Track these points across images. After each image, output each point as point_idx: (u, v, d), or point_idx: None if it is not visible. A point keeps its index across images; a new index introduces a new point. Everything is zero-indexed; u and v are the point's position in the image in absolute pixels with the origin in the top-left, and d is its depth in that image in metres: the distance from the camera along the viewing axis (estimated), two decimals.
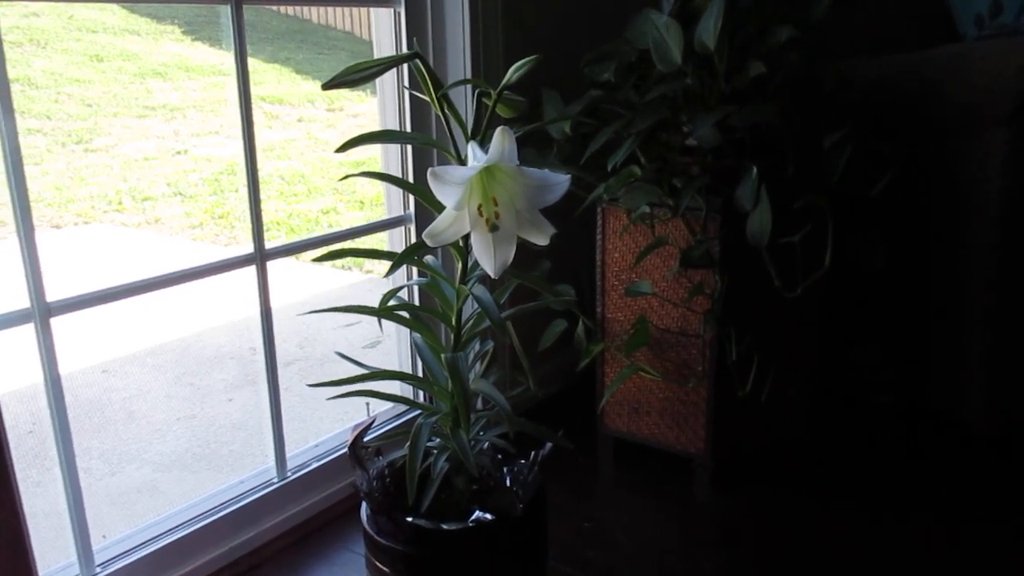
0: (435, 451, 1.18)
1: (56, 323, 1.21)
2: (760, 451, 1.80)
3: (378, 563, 1.16)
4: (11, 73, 1.13)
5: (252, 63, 1.43)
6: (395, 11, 1.66)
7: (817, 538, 1.55)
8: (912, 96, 1.79)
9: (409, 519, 1.13)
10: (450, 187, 0.93)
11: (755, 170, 1.39)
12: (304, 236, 3.33)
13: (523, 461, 1.22)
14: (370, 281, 3.33)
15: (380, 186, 1.81)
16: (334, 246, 1.58)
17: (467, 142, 1.03)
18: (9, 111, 1.12)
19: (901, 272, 1.90)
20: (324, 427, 2.10)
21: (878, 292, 1.95)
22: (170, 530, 1.40)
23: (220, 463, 1.99)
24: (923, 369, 1.91)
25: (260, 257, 1.46)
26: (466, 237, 1.06)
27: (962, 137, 1.74)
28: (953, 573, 1.44)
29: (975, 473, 1.74)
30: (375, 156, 1.83)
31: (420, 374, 1.67)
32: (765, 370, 1.57)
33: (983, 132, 1.69)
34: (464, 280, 1.12)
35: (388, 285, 1.46)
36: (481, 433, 1.23)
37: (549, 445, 1.20)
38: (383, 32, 1.69)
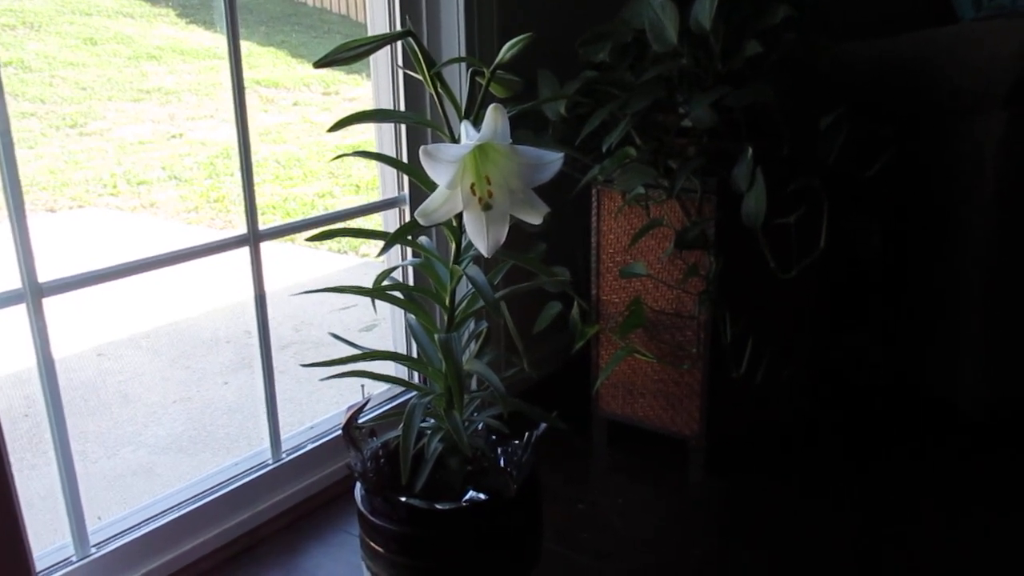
0: (429, 432, 1.18)
1: (49, 305, 1.20)
2: (754, 433, 1.80)
3: (372, 543, 1.16)
4: (4, 56, 1.13)
5: (247, 46, 1.42)
6: None
7: (810, 521, 1.55)
8: (908, 77, 1.79)
9: (403, 499, 1.13)
10: (443, 165, 0.92)
11: (750, 151, 1.39)
12: (298, 218, 3.32)
13: (517, 442, 1.22)
14: (365, 264, 3.33)
15: (376, 170, 1.81)
16: (328, 227, 1.57)
17: (460, 121, 1.03)
18: (1, 94, 1.11)
19: (896, 255, 1.90)
20: (319, 409, 2.10)
21: (873, 275, 1.95)
22: (165, 511, 1.40)
23: (215, 445, 2.00)
24: (918, 353, 1.91)
25: (254, 238, 1.45)
26: (459, 217, 1.05)
27: (959, 119, 1.73)
28: (946, 556, 1.45)
29: (968, 458, 1.74)
30: (370, 139, 1.82)
31: (414, 355, 1.67)
32: (760, 352, 1.57)
33: (980, 113, 1.69)
34: (458, 260, 1.12)
35: (383, 268, 1.46)
36: (475, 414, 1.23)
37: (543, 426, 1.20)
38: (377, 13, 1.68)
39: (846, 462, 1.73)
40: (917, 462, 1.72)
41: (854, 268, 1.96)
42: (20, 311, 1.18)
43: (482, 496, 1.17)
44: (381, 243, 1.17)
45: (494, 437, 1.25)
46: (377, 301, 1.20)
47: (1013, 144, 1.68)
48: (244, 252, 1.46)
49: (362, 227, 1.62)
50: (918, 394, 1.94)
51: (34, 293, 1.18)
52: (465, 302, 1.18)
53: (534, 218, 0.99)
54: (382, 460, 1.20)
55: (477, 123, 0.99)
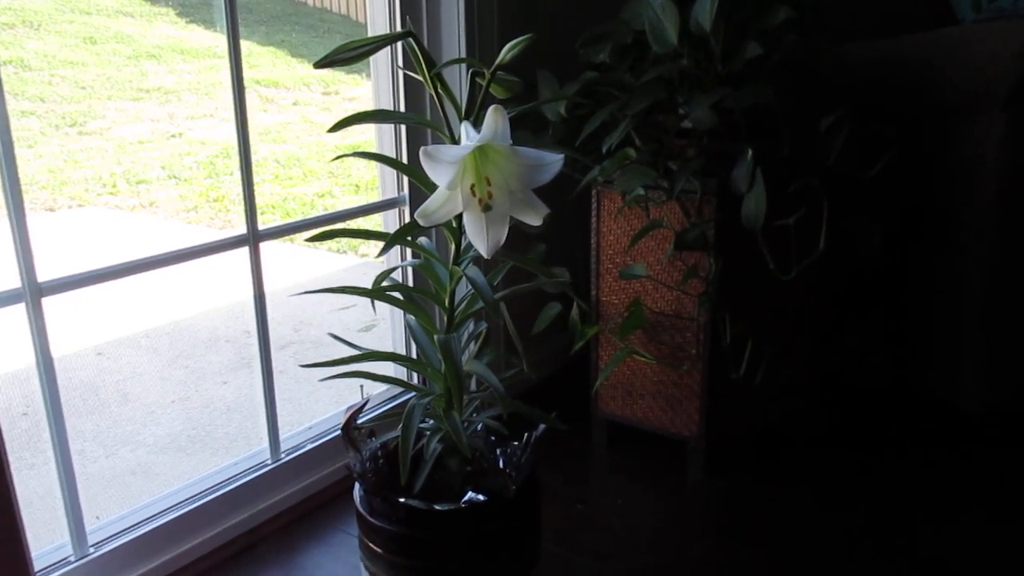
0: (428, 432, 1.18)
1: (49, 304, 1.20)
2: (753, 434, 1.80)
3: (371, 544, 1.16)
4: (4, 55, 1.13)
5: (246, 46, 1.42)
6: None
7: (809, 521, 1.55)
8: (909, 78, 1.79)
9: (402, 500, 1.13)
10: (443, 166, 0.92)
11: (750, 152, 1.39)
12: (298, 218, 3.32)
13: (516, 443, 1.22)
14: (365, 264, 3.33)
15: (375, 170, 1.81)
16: (328, 227, 1.57)
17: (460, 122, 1.03)
18: (0, 93, 1.11)
19: (896, 255, 1.90)
20: (318, 409, 2.10)
21: (873, 275, 1.95)
22: (164, 511, 1.40)
23: (214, 445, 1.99)
24: (917, 353, 1.91)
25: (253, 238, 1.45)
26: (459, 218, 1.05)
27: (959, 120, 1.73)
28: (947, 556, 1.45)
29: (967, 457, 1.74)
30: (370, 140, 1.82)
31: (414, 356, 1.67)
32: (759, 353, 1.57)
33: (980, 115, 1.69)
34: (457, 261, 1.11)
35: (382, 268, 1.46)
36: (474, 415, 1.23)
37: (542, 427, 1.20)
38: (377, 13, 1.68)
39: (846, 463, 1.73)
40: (917, 463, 1.72)
41: (854, 269, 1.96)
42: (19, 310, 1.18)
43: (481, 497, 1.17)
44: (381, 243, 1.17)
45: (493, 438, 1.25)
46: (376, 301, 1.20)
47: (1014, 145, 1.68)
48: (243, 252, 1.46)
49: (362, 227, 1.62)
50: (918, 395, 1.94)
51: (33, 293, 1.18)
52: (465, 303, 1.18)
53: (534, 219, 0.99)
54: (381, 461, 1.20)
55: (477, 124, 0.99)
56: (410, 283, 1.73)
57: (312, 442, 1.62)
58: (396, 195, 1.74)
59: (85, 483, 1.30)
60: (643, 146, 1.53)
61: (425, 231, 1.21)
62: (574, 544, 1.49)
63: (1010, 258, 1.75)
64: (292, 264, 3.25)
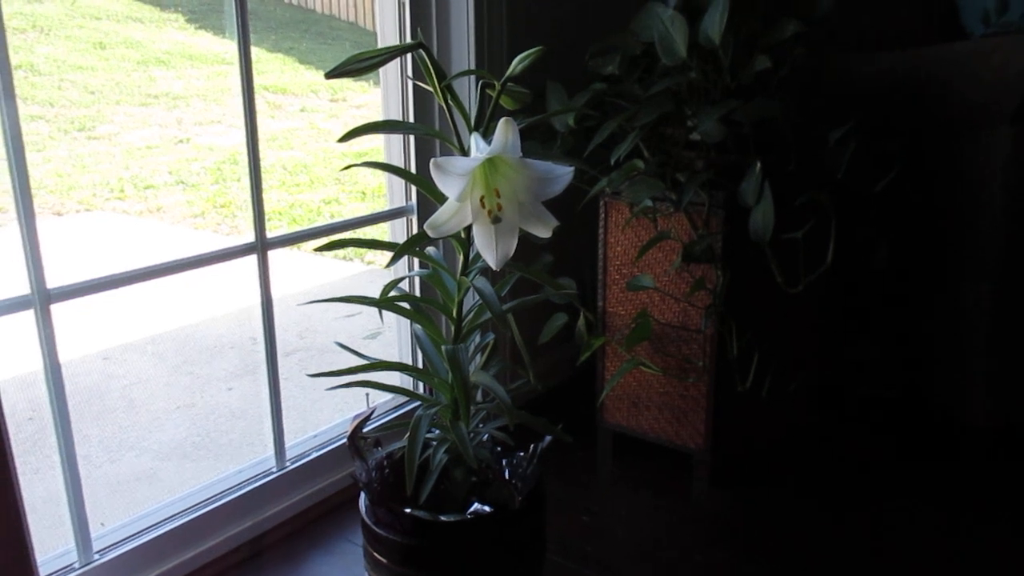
0: (434, 443, 1.18)
1: (57, 310, 1.20)
2: (760, 446, 1.80)
3: (376, 554, 1.16)
4: (14, 59, 1.13)
5: (255, 52, 1.42)
6: (399, 0, 1.66)
7: (815, 534, 1.55)
8: (917, 92, 1.79)
9: (407, 510, 1.13)
10: (452, 178, 0.92)
11: (758, 165, 1.39)
12: (305, 226, 3.32)
13: (522, 454, 1.22)
14: (371, 272, 3.33)
15: (382, 177, 1.81)
16: (335, 236, 1.58)
17: (470, 133, 1.03)
18: (11, 97, 1.11)
19: (903, 268, 1.90)
20: (324, 417, 2.10)
21: (880, 288, 1.95)
22: (168, 518, 1.40)
23: (219, 452, 1.99)
24: (924, 365, 1.91)
25: (261, 246, 1.46)
26: (468, 229, 1.05)
27: (967, 134, 1.73)
28: (952, 568, 1.44)
29: (974, 468, 1.74)
30: (378, 147, 1.82)
31: (420, 365, 1.67)
32: (766, 365, 1.57)
33: (988, 129, 1.69)
34: (465, 272, 1.12)
35: (389, 276, 1.46)
36: (481, 425, 1.23)
37: (548, 438, 1.20)
38: (387, 22, 1.69)
39: (851, 475, 1.73)
40: (924, 476, 1.72)
41: (861, 281, 1.96)
42: (27, 316, 1.18)
43: (487, 508, 1.17)
44: (389, 252, 1.18)
45: (499, 449, 1.25)
46: (383, 310, 1.20)
47: (1021, 159, 1.68)
48: (251, 259, 1.46)
49: (370, 237, 1.63)
50: (925, 407, 1.94)
51: (42, 299, 1.18)
52: (472, 314, 1.18)
53: (543, 231, 0.99)
54: (387, 470, 1.20)
55: (487, 135, 0.99)
56: (417, 293, 1.73)
57: (317, 450, 1.62)
58: (404, 204, 1.74)
59: (90, 489, 1.30)
60: (651, 158, 1.53)
61: (433, 241, 1.21)
62: (579, 555, 1.49)
63: (1016, 271, 1.74)
64: (298, 270, 3.25)
